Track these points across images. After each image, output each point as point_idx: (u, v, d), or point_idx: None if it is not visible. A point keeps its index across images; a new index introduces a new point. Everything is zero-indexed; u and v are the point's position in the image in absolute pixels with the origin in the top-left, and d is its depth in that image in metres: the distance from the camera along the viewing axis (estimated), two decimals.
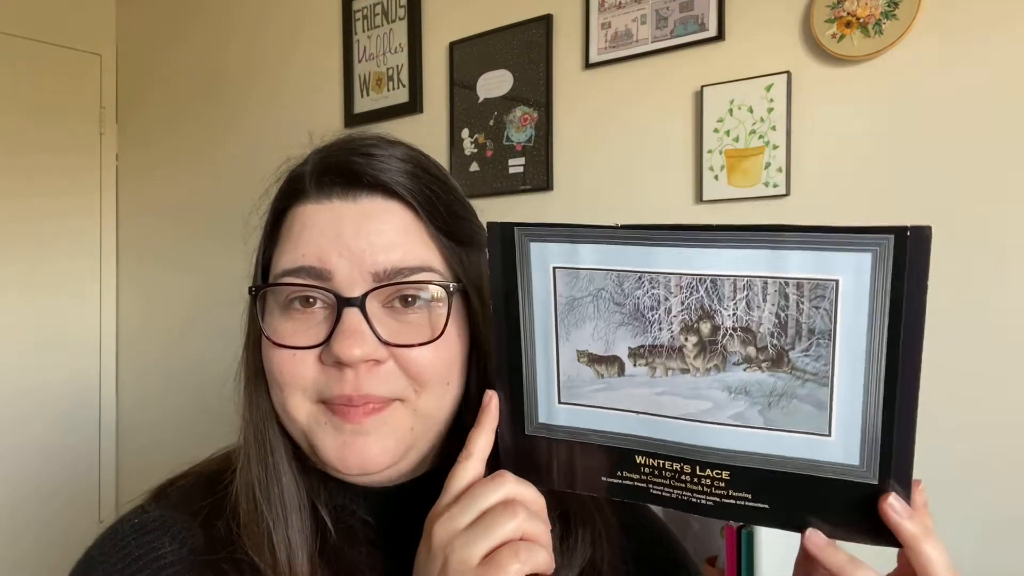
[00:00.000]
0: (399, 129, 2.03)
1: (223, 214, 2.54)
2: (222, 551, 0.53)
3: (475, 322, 0.56)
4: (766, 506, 0.44)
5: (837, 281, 0.40)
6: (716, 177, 1.51)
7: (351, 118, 2.15)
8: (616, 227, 0.44)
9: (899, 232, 0.38)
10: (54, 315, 2.75)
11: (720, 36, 1.51)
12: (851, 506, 0.42)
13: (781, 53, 1.45)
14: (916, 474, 0.42)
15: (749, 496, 0.45)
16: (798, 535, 0.46)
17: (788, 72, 1.43)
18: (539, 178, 1.77)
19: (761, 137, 1.45)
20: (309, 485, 0.56)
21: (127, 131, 2.89)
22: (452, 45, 1.92)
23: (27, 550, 2.62)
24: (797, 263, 0.40)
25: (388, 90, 2.06)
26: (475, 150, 1.88)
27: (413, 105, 2.00)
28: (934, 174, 1.30)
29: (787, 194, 1.43)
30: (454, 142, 1.91)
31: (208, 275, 2.59)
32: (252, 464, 0.55)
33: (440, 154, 1.93)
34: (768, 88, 1.44)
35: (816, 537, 0.44)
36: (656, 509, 0.73)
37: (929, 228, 0.38)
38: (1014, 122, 1.24)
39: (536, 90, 1.77)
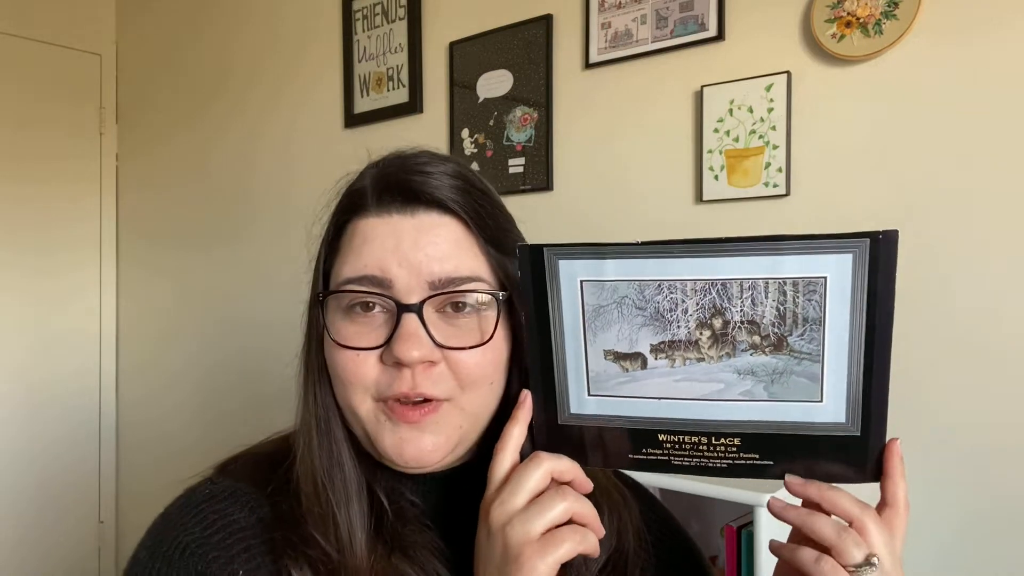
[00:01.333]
0: (399, 129, 2.03)
1: (223, 213, 2.54)
2: (288, 525, 0.58)
3: (517, 326, 0.61)
4: (770, 462, 0.53)
5: (825, 278, 0.48)
6: (716, 177, 1.51)
7: (351, 118, 2.15)
8: (637, 243, 0.51)
9: (873, 236, 0.47)
10: (54, 315, 2.75)
11: (720, 36, 1.51)
12: (840, 454, 0.51)
13: (781, 53, 1.45)
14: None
15: (757, 456, 0.53)
16: None
17: (788, 72, 1.43)
18: (539, 178, 1.77)
19: (761, 137, 1.45)
20: (367, 471, 0.61)
21: (127, 131, 2.89)
22: (452, 45, 1.93)
23: (27, 549, 2.62)
24: (792, 265, 0.49)
25: (388, 90, 2.06)
26: (475, 150, 1.88)
27: (413, 105, 2.00)
28: (934, 174, 1.30)
29: (787, 194, 1.43)
30: (454, 142, 1.91)
31: (208, 274, 2.59)
32: (315, 452, 0.60)
33: None
34: (768, 88, 1.44)
35: (793, 479, 0.53)
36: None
37: (896, 232, 0.47)
38: (1014, 122, 1.24)
39: (536, 90, 1.77)
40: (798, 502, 0.54)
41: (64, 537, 2.70)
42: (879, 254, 0.47)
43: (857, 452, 0.51)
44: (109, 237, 2.90)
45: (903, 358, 1.27)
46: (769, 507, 0.54)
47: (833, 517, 0.52)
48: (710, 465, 0.53)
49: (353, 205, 0.61)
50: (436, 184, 0.59)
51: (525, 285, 0.54)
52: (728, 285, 0.50)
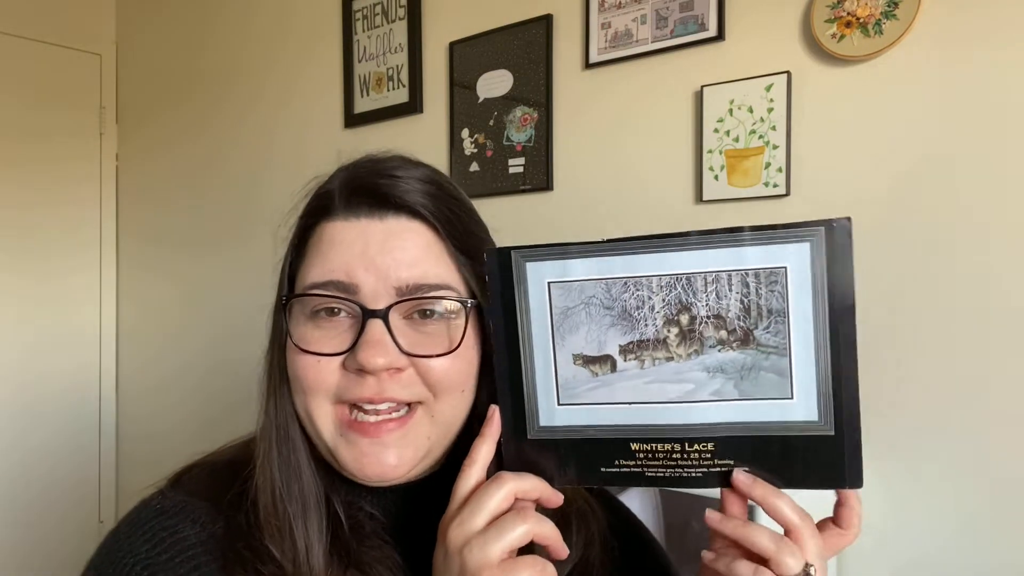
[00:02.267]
0: (399, 129, 2.03)
1: (223, 213, 2.54)
2: (241, 539, 0.56)
3: (486, 335, 0.60)
4: (746, 468, 0.51)
5: (785, 268, 0.48)
6: (716, 177, 1.51)
7: (351, 118, 2.14)
8: (602, 241, 0.51)
9: (827, 224, 0.47)
10: (54, 316, 2.75)
11: (720, 36, 1.51)
12: (817, 458, 0.50)
13: (781, 53, 1.45)
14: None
15: (732, 462, 0.52)
16: None
17: (788, 72, 1.43)
18: (539, 178, 1.76)
19: (761, 137, 1.45)
20: (325, 481, 0.60)
21: (127, 131, 2.89)
22: (452, 45, 1.92)
23: (27, 549, 2.62)
24: (753, 256, 0.49)
25: (388, 90, 2.06)
26: (475, 150, 1.88)
27: (413, 105, 2.00)
28: (933, 174, 1.30)
29: (787, 194, 1.43)
30: (454, 142, 1.91)
31: (207, 274, 2.59)
32: (274, 460, 0.58)
33: (440, 154, 1.93)
34: (768, 88, 1.44)
35: (741, 475, 0.51)
36: (656, 512, 0.75)
37: (849, 219, 0.47)
38: (1013, 122, 1.24)
39: (536, 90, 1.77)
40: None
41: (64, 537, 2.70)
42: (835, 243, 0.47)
43: (834, 455, 0.50)
44: (109, 238, 2.89)
45: (901, 354, 1.27)
46: (707, 520, 0.53)
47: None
48: (684, 475, 0.52)
49: (321, 208, 0.59)
50: (406, 188, 0.58)
51: (493, 291, 0.53)
52: (693, 279, 0.50)
